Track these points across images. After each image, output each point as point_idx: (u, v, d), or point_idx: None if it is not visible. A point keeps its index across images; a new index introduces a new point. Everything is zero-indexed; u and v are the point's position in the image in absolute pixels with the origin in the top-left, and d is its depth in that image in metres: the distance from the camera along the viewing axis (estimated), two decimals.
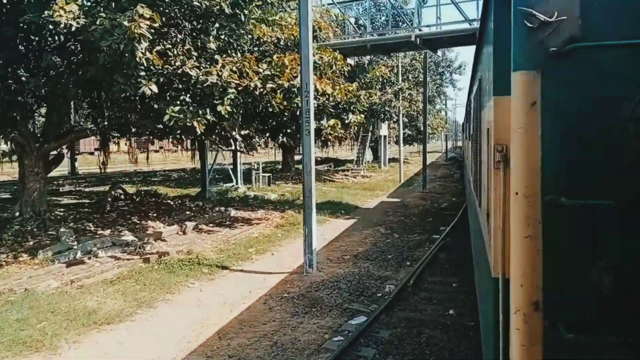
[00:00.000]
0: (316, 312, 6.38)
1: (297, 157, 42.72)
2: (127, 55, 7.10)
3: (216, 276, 8.16)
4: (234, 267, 8.71)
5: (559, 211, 1.83)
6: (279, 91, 8.71)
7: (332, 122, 11.53)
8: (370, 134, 31.41)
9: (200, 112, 8.29)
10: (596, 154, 1.81)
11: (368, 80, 12.79)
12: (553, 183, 1.84)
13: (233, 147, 13.57)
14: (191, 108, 8.24)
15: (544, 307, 1.87)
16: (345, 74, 12.59)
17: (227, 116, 8.69)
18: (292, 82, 8.64)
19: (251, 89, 8.74)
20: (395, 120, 25.97)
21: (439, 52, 18.63)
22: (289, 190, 19.80)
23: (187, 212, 13.61)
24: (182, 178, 27.77)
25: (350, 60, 18.14)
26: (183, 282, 7.78)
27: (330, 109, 11.57)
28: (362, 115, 12.65)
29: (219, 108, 8.49)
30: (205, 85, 8.13)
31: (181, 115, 8.17)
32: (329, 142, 40.02)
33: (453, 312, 6.30)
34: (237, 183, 19.66)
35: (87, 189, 21.06)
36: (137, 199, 15.17)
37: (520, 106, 1.87)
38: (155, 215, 12.98)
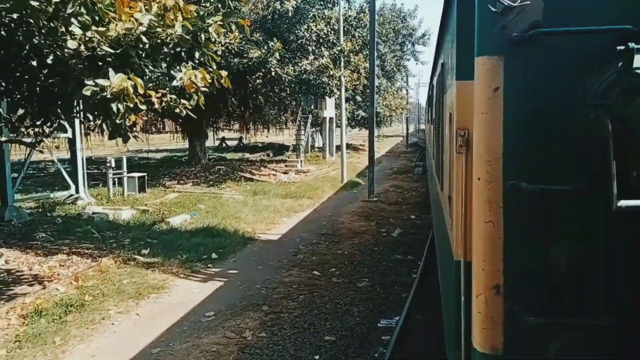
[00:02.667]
0: None
1: (217, 142, 34.09)
2: None
3: None
4: None
5: (521, 196, 1.82)
6: None
7: (117, 79, 4.63)
8: (311, 115, 24.62)
9: None
10: (557, 139, 1.80)
11: None
12: (515, 168, 1.83)
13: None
14: None
15: (504, 290, 1.87)
16: None
17: None
18: None
19: None
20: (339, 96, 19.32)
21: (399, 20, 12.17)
22: (165, 202, 12.79)
23: None
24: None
25: None
26: None
27: (113, 50, 4.67)
28: (225, 73, 5.88)
29: None
30: None
31: None
32: (267, 123, 32.73)
33: None
34: (76, 190, 12.36)
35: None
36: None
37: (483, 91, 1.86)
38: None
